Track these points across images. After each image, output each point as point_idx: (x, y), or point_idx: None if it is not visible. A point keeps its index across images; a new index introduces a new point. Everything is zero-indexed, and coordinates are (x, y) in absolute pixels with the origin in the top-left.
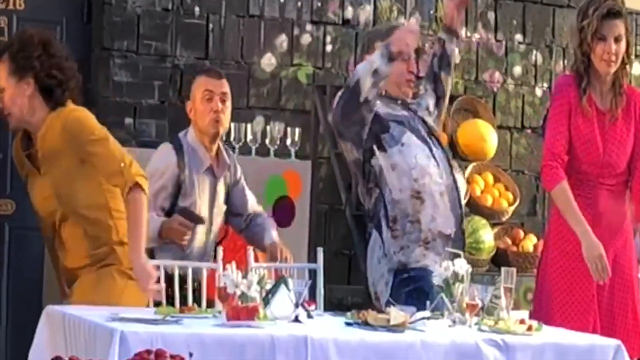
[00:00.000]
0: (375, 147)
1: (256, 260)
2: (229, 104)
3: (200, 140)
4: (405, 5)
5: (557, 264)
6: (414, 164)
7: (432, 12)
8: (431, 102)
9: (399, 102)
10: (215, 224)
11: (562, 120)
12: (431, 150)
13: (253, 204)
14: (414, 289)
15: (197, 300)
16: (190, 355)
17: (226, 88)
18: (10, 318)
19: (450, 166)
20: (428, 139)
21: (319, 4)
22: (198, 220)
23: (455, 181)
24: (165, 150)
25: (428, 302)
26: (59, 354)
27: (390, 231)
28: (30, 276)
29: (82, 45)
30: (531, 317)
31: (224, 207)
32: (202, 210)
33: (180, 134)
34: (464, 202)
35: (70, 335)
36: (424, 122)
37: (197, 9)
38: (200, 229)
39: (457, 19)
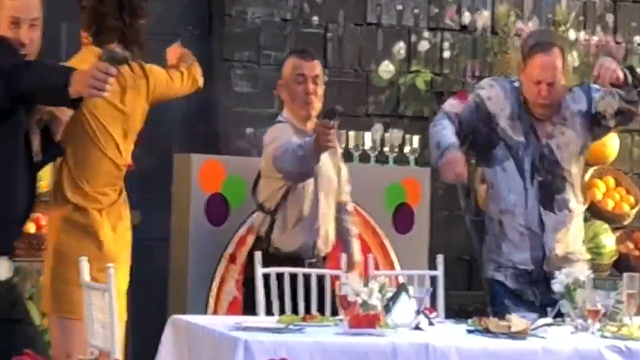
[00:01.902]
0: (483, 163)
1: (377, 267)
2: (321, 85)
3: (296, 120)
4: (522, 9)
5: None
6: (505, 196)
7: (550, 16)
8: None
9: (532, 120)
10: (323, 200)
11: None
12: (525, 187)
13: (345, 192)
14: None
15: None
16: None
17: (318, 70)
18: (135, 328)
19: (542, 208)
20: (528, 174)
21: (436, 11)
22: (332, 113)
23: (542, 225)
24: (280, 125)
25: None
26: None
27: (485, 242)
28: (155, 286)
29: (204, 57)
30: None
31: (333, 180)
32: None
33: (280, 118)
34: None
35: (194, 344)
36: (541, 154)
37: (315, 18)
38: (307, 202)
39: (615, 77)
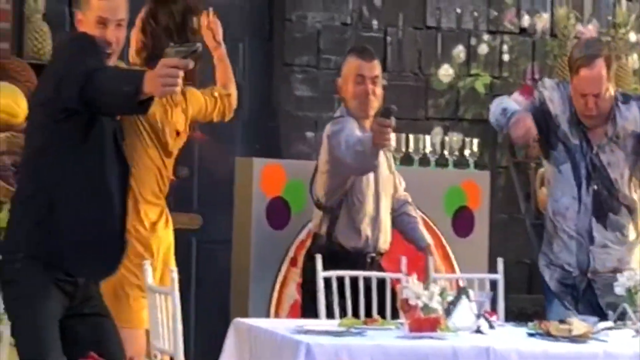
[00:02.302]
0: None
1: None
2: (380, 85)
3: (354, 117)
4: (582, 12)
5: None
6: (558, 198)
7: (609, 18)
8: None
9: (583, 127)
10: (383, 196)
11: None
12: (580, 192)
13: (401, 189)
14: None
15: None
16: None
17: (378, 70)
18: (198, 331)
19: (594, 219)
20: (583, 180)
21: (496, 14)
22: (388, 112)
23: (592, 237)
24: (343, 118)
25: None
26: None
27: (544, 236)
28: (217, 289)
29: (265, 62)
30: None
31: (390, 177)
32: (370, 177)
33: (338, 114)
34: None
35: (255, 347)
36: (591, 161)
37: (375, 22)
38: (369, 198)
39: None
